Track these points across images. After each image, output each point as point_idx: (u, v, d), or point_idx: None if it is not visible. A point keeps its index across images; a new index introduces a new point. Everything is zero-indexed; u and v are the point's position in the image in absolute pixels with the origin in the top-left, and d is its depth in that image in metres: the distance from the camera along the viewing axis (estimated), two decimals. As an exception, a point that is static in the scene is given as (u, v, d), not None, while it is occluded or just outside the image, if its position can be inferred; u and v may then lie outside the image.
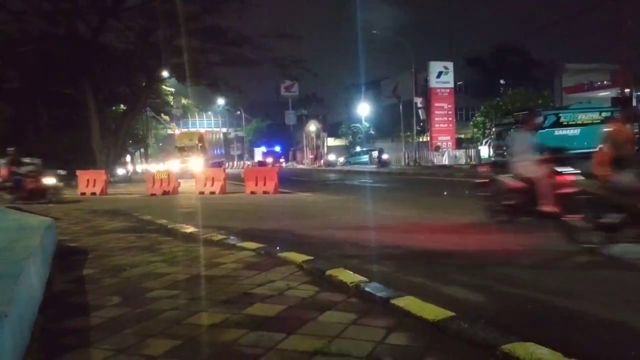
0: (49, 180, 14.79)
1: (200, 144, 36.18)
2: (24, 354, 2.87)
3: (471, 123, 45.48)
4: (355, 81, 64.18)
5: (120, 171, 35.65)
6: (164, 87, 47.21)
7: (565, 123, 31.37)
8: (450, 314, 3.39)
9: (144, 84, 39.20)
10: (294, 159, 63.92)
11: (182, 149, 35.83)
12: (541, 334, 3.09)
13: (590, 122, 31.27)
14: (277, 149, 61.52)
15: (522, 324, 3.51)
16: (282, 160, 56.68)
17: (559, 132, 30.86)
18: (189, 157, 34.03)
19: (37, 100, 33.59)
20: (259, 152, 62.95)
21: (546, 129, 30.98)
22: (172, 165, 32.31)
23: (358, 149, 54.21)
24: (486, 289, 4.43)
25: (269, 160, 48.93)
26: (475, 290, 4.39)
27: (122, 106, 43.57)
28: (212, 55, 37.24)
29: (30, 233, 5.37)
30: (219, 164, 34.63)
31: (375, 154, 45.21)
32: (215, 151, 39.26)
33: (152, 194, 18.09)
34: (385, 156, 39.49)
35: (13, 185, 14.57)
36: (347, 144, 60.71)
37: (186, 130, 39.25)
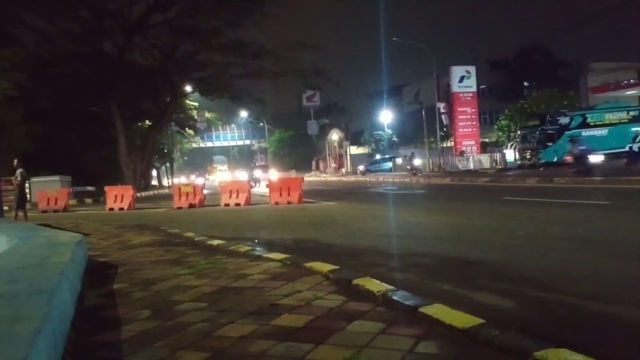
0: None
1: None
2: (58, 369, 2.91)
3: (496, 127, 45.04)
4: (377, 89, 64.21)
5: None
6: (187, 101, 47.96)
7: (593, 124, 30.85)
8: (480, 321, 3.33)
9: (168, 99, 39.88)
10: (317, 168, 63.97)
11: None
12: (575, 340, 3.03)
13: (618, 121, 30.70)
14: None
15: (555, 329, 3.44)
16: None
17: (586, 132, 30.36)
18: None
19: (66, 118, 34.44)
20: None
21: (573, 130, 30.53)
22: None
23: (378, 156, 53.89)
24: (517, 294, 4.36)
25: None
26: (505, 295, 4.33)
27: (147, 122, 44.40)
28: (235, 69, 37.73)
29: (62, 249, 5.47)
30: None
31: (399, 161, 44.69)
32: None
33: (179, 208, 18.30)
34: (417, 162, 34.89)
35: None
36: (370, 151, 60.61)
37: None
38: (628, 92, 35.60)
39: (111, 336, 3.67)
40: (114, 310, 4.38)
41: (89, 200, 28.23)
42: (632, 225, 7.96)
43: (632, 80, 35.47)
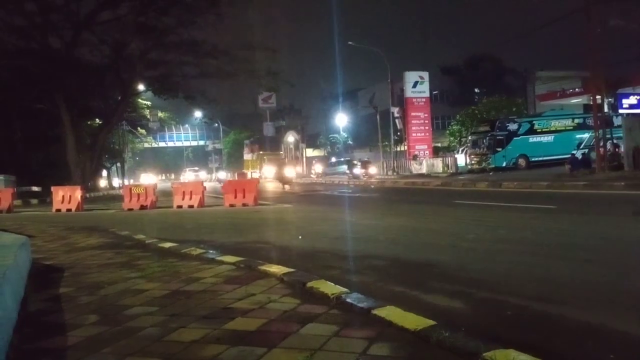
0: None
1: None
2: (-1, 377, 2.79)
3: (447, 132, 45.95)
4: (333, 92, 64.54)
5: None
6: (139, 100, 46.88)
7: (540, 130, 31.88)
8: (431, 322, 3.39)
9: (119, 97, 38.82)
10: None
11: None
12: (521, 340, 3.12)
13: (564, 128, 31.85)
14: None
15: (503, 330, 3.53)
16: None
17: (533, 139, 31.35)
18: None
19: (10, 115, 33.04)
20: None
21: (521, 136, 31.49)
22: None
23: (334, 159, 54.31)
24: (466, 295, 4.46)
25: None
26: (455, 297, 4.42)
27: (97, 120, 43.12)
28: (189, 68, 37.08)
29: (4, 252, 5.24)
30: None
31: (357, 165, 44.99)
32: None
33: (130, 209, 17.86)
34: (357, 170, 36.21)
35: None
36: (326, 154, 60.90)
37: None
38: (573, 100, 36.88)
39: (56, 342, 3.54)
40: (59, 315, 4.23)
41: (34, 201, 27.19)
42: (575, 229, 8.27)
43: (577, 89, 36.78)
